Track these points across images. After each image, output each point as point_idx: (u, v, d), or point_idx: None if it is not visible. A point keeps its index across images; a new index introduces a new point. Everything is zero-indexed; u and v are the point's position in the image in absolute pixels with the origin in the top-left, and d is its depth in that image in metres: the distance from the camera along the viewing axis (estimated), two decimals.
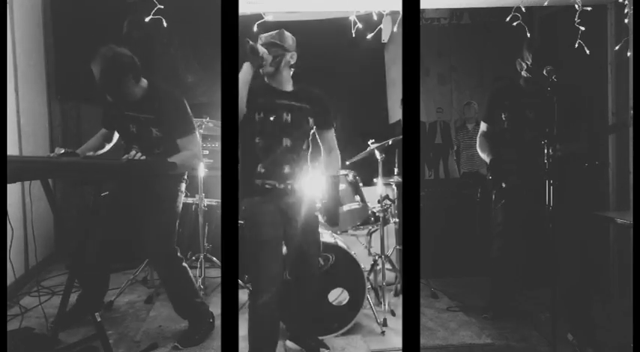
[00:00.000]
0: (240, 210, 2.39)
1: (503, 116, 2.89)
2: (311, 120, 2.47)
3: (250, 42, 2.24)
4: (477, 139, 3.09)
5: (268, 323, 2.40)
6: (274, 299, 2.34)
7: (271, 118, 2.37)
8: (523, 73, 2.78)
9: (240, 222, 2.48)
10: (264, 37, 2.41)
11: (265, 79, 2.44)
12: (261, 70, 2.37)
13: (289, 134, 2.39)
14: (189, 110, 2.68)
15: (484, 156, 3.03)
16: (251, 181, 2.39)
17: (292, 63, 2.45)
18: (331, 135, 2.60)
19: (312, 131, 2.51)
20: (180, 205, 2.80)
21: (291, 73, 2.48)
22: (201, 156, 2.68)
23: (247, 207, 2.40)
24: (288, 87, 2.46)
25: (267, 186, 2.38)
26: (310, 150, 2.54)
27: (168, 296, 2.87)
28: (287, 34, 2.44)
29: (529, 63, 2.70)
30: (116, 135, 2.89)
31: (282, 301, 2.42)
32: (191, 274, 2.85)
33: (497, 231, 3.04)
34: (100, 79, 2.50)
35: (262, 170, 2.38)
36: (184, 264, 2.81)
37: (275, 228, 2.40)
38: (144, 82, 2.65)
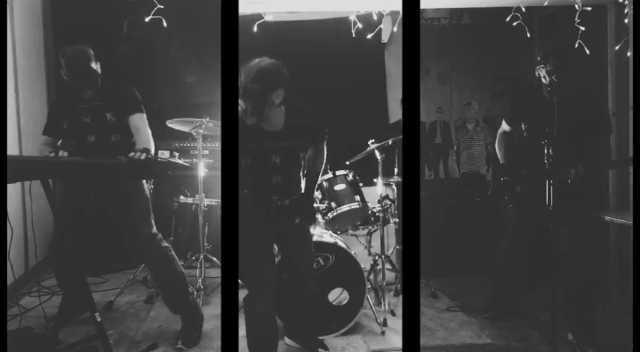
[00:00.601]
0: None
1: (523, 126, 2.85)
2: (302, 155, 2.42)
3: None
4: (497, 136, 3.07)
5: (266, 327, 2.37)
6: (270, 304, 2.33)
7: (259, 163, 2.29)
8: (544, 80, 2.65)
9: None
10: (242, 77, 2.13)
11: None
12: (246, 120, 2.18)
13: (279, 173, 2.33)
14: (137, 94, 2.79)
15: (499, 155, 3.03)
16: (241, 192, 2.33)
17: (278, 102, 2.18)
18: (322, 146, 2.51)
19: (314, 160, 2.48)
20: (147, 188, 2.86)
21: (283, 110, 2.27)
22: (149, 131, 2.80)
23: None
24: (279, 124, 2.28)
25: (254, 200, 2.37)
26: (304, 174, 2.49)
27: (158, 288, 2.87)
28: (270, 68, 2.14)
29: (549, 69, 2.58)
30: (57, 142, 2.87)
31: (280, 301, 2.41)
32: (178, 262, 2.85)
33: (507, 228, 3.02)
34: (72, 75, 2.66)
35: (249, 195, 2.33)
36: (171, 254, 2.82)
37: (266, 231, 2.39)
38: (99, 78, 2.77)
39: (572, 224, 2.66)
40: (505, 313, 3.16)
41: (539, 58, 2.68)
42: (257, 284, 2.32)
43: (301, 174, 2.47)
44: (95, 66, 2.72)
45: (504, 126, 3.05)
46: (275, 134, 2.28)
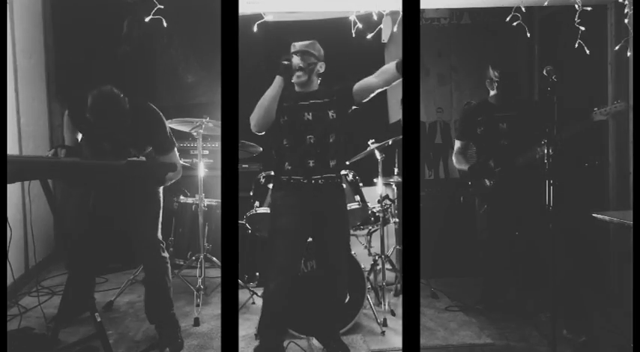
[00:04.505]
0: (270, 201, 2.68)
1: (478, 130, 3.04)
2: (331, 113, 2.52)
3: (285, 62, 2.41)
4: (453, 157, 3.24)
5: (272, 311, 2.46)
6: (281, 289, 2.43)
7: (294, 120, 2.49)
8: (492, 92, 3.02)
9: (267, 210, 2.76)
10: (298, 45, 2.55)
11: (295, 88, 2.58)
12: (293, 80, 2.51)
13: (312, 131, 2.49)
14: (168, 127, 2.72)
15: (461, 166, 3.19)
16: (279, 178, 2.53)
17: (321, 72, 2.59)
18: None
19: (341, 124, 2.56)
20: (161, 194, 2.84)
21: (319, 80, 2.61)
22: (180, 166, 2.77)
23: (274, 198, 2.57)
24: (313, 89, 2.59)
25: (291, 181, 2.49)
26: (336, 141, 2.55)
27: (144, 289, 2.85)
28: (318, 45, 2.59)
29: (498, 80, 2.95)
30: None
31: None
32: (170, 276, 2.83)
33: (483, 236, 3.16)
34: (98, 120, 2.42)
35: (289, 167, 2.51)
36: (167, 265, 2.80)
37: (295, 219, 2.48)
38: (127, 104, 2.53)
39: (555, 220, 2.68)
40: (496, 308, 3.22)
41: (490, 69, 3.00)
42: (274, 267, 2.46)
43: (332, 140, 2.53)
44: (125, 107, 2.46)
45: (457, 145, 3.22)
46: (308, 93, 2.56)
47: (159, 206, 2.81)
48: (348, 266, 2.72)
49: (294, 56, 2.49)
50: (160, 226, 2.81)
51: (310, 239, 2.67)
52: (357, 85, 2.52)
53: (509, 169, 2.90)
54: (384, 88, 2.50)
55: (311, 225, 2.55)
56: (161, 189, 2.83)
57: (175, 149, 2.75)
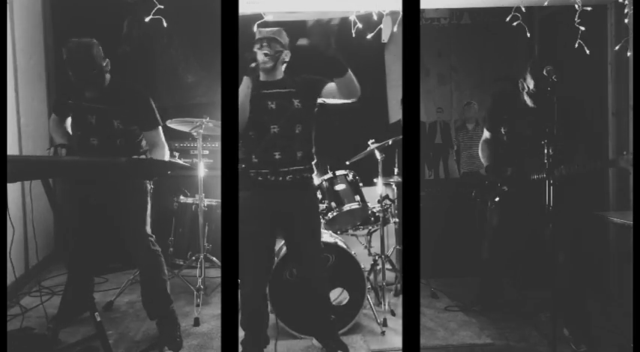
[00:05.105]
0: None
1: (503, 130, 2.91)
2: (296, 102, 2.46)
3: (252, 65, 2.36)
4: (480, 144, 3.14)
5: (250, 311, 2.51)
6: (256, 293, 2.50)
7: (257, 108, 2.42)
8: (526, 98, 2.75)
9: None
10: (264, 31, 2.51)
11: (260, 77, 2.49)
12: (260, 66, 2.43)
13: (276, 120, 2.43)
14: (154, 105, 2.74)
15: (483, 159, 3.10)
16: (246, 174, 2.46)
17: (286, 60, 2.55)
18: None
19: (307, 114, 2.50)
20: (149, 187, 2.84)
21: (284, 68, 2.56)
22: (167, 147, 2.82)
23: (241, 200, 2.45)
24: (278, 77, 2.54)
25: (259, 178, 2.44)
26: (302, 132, 2.48)
27: (140, 288, 2.82)
28: (284, 33, 2.53)
29: (531, 87, 2.67)
30: (68, 121, 2.85)
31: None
32: (164, 269, 2.81)
33: (490, 232, 3.11)
34: (74, 73, 2.53)
35: (255, 160, 2.44)
36: (160, 259, 2.78)
37: (261, 224, 2.47)
38: (108, 74, 2.67)
39: (556, 220, 2.66)
40: (493, 308, 3.21)
41: (529, 68, 2.68)
42: (247, 272, 2.49)
43: (297, 131, 2.46)
44: (103, 63, 2.59)
45: (486, 134, 3.12)
46: (271, 83, 2.51)
47: (146, 199, 2.80)
48: (323, 262, 2.72)
49: (258, 52, 2.43)
50: (148, 220, 2.79)
51: (282, 243, 2.68)
52: (328, 87, 2.47)
53: (523, 178, 2.78)
54: (345, 101, 2.46)
55: (280, 227, 2.54)
56: (146, 183, 2.83)
57: (160, 129, 2.76)
